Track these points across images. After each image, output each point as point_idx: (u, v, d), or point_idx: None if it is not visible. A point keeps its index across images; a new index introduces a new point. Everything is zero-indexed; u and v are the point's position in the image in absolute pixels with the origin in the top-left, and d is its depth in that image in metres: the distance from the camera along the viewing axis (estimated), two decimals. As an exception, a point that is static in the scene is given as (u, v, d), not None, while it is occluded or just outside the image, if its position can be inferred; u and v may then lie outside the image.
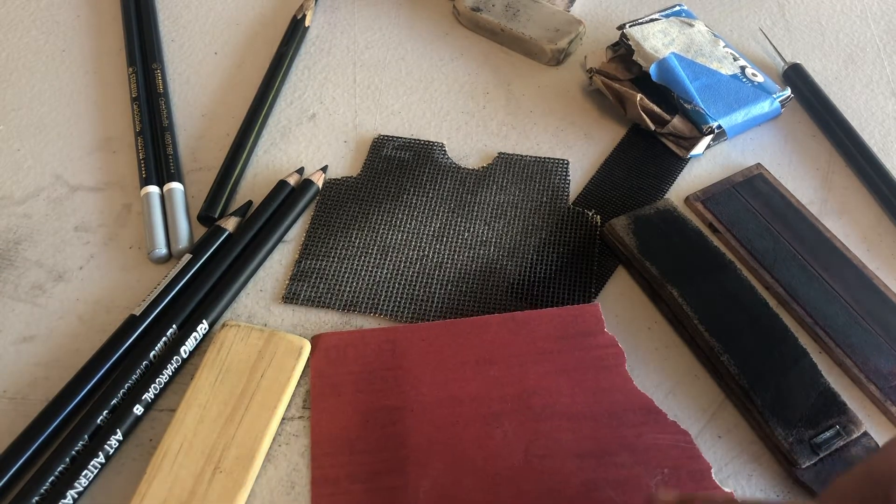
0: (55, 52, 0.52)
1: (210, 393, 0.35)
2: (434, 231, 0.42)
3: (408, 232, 0.42)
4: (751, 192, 0.43)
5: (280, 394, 0.35)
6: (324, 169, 0.44)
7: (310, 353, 0.37)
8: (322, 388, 0.36)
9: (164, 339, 0.37)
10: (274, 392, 0.35)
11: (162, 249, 0.41)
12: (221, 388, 0.35)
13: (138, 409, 0.34)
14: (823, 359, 0.37)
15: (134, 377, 0.35)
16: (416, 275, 0.40)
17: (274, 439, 0.35)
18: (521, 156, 0.45)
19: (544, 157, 0.45)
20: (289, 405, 0.36)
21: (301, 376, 0.36)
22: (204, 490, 0.32)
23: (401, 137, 0.46)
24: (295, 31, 0.51)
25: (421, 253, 0.41)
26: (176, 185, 0.43)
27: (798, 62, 0.50)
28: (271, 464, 0.34)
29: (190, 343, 0.37)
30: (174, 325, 0.37)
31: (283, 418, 0.35)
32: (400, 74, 0.51)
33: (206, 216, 0.42)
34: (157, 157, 0.45)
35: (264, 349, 0.36)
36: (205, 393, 0.35)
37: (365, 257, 0.41)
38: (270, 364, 0.36)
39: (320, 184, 0.44)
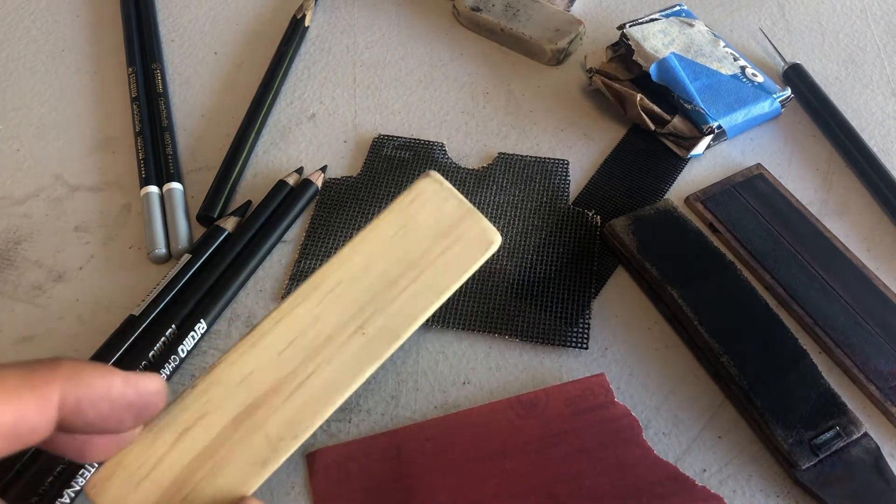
0: (55, 52, 0.52)
1: (385, 245, 0.30)
2: (434, 231, 0.42)
3: (407, 232, 0.42)
4: (751, 193, 0.43)
5: (450, 282, 0.30)
6: (323, 169, 0.44)
7: (307, 474, 0.33)
8: None
9: (162, 338, 0.36)
10: (445, 277, 0.30)
11: (161, 249, 0.41)
12: (397, 245, 0.30)
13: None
14: (823, 359, 0.37)
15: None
16: (415, 275, 0.40)
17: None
18: (521, 156, 0.45)
19: (544, 157, 0.45)
20: None
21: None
22: (338, 346, 0.28)
23: (401, 137, 0.46)
24: (295, 31, 0.51)
25: (420, 253, 0.41)
26: (175, 185, 0.43)
27: (798, 62, 0.50)
28: (270, 464, 0.34)
29: (188, 343, 0.37)
30: (173, 325, 0.37)
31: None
32: (400, 74, 0.50)
33: (206, 216, 0.42)
34: (156, 157, 0.45)
35: (456, 224, 0.30)
36: (380, 243, 0.30)
37: (364, 257, 0.41)
38: (455, 244, 0.30)
39: (319, 184, 0.44)
